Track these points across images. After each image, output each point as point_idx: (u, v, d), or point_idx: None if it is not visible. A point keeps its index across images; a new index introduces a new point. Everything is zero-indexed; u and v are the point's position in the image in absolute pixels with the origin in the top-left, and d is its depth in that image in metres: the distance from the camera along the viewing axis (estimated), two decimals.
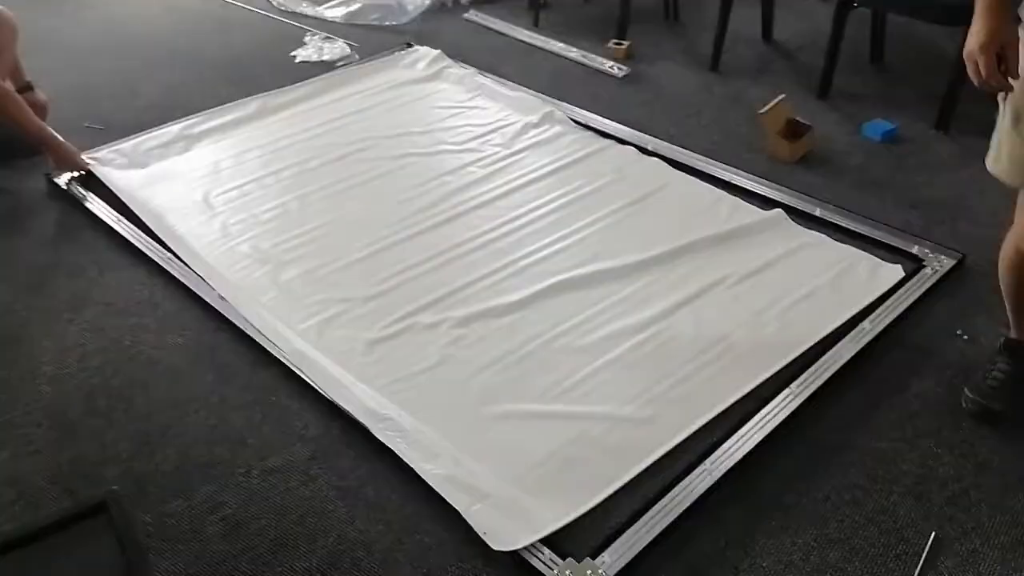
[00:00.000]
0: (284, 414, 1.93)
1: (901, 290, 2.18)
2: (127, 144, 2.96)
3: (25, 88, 2.87)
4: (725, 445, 1.77)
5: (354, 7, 4.03)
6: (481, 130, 3.03)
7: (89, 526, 1.33)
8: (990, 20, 1.47)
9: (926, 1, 2.80)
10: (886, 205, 2.54)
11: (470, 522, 1.62)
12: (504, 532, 1.60)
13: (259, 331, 2.13)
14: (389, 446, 1.79)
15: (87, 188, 2.74)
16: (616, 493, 1.69)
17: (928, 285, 2.19)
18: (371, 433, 1.84)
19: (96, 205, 2.65)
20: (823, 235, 2.40)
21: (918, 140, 2.87)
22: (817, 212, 2.47)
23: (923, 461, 1.76)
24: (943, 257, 2.28)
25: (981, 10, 1.49)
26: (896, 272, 2.25)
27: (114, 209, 2.63)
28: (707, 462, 1.73)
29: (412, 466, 1.75)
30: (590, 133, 3.00)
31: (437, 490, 1.69)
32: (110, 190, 2.73)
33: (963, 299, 2.18)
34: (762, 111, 2.79)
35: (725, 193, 2.61)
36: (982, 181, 2.62)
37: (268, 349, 2.08)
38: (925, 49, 3.45)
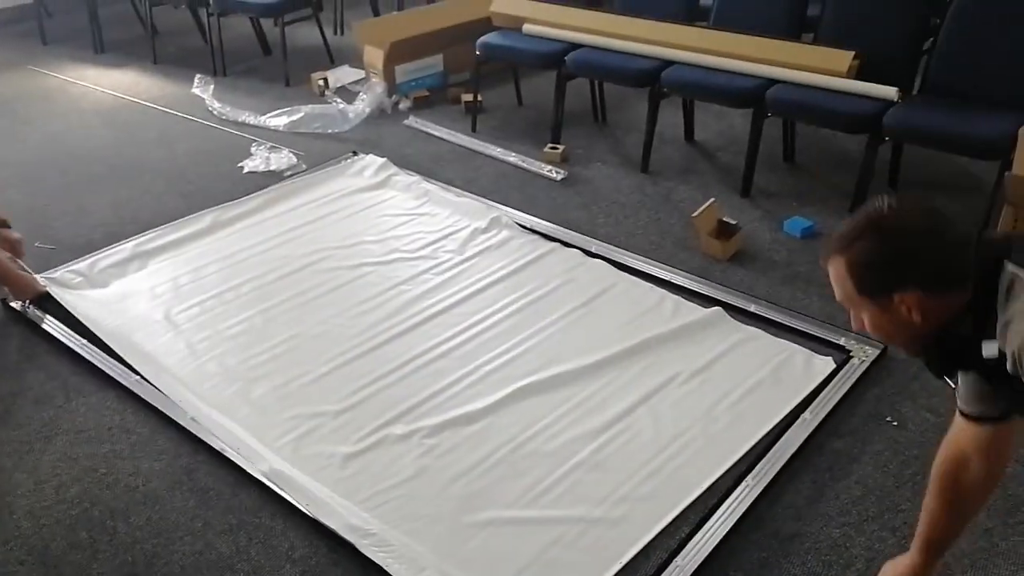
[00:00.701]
0: (269, 535, 1.98)
1: (834, 380, 2.39)
2: (82, 264, 3.01)
3: (0, 225, 2.91)
4: (693, 541, 1.90)
5: (296, 116, 4.18)
6: (433, 236, 3.18)
7: None
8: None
9: (832, 114, 3.11)
10: (811, 298, 2.77)
11: None
12: None
13: (236, 452, 2.19)
14: (377, 563, 1.87)
15: (44, 310, 2.77)
16: None
17: (857, 375, 2.40)
18: (358, 550, 1.91)
19: (56, 329, 2.68)
20: (759, 330, 2.61)
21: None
22: (752, 308, 2.69)
23: (870, 544, 1.93)
24: (867, 347, 2.50)
25: (920, 545, 1.58)
26: (828, 364, 2.46)
27: (73, 330, 2.66)
28: (678, 559, 1.86)
29: None
30: (536, 236, 3.18)
31: None
32: (67, 309, 2.76)
33: (889, 386, 2.39)
34: (695, 214, 3.02)
35: (667, 292, 2.80)
36: None
37: (247, 469, 2.14)
38: (831, 149, 3.79)
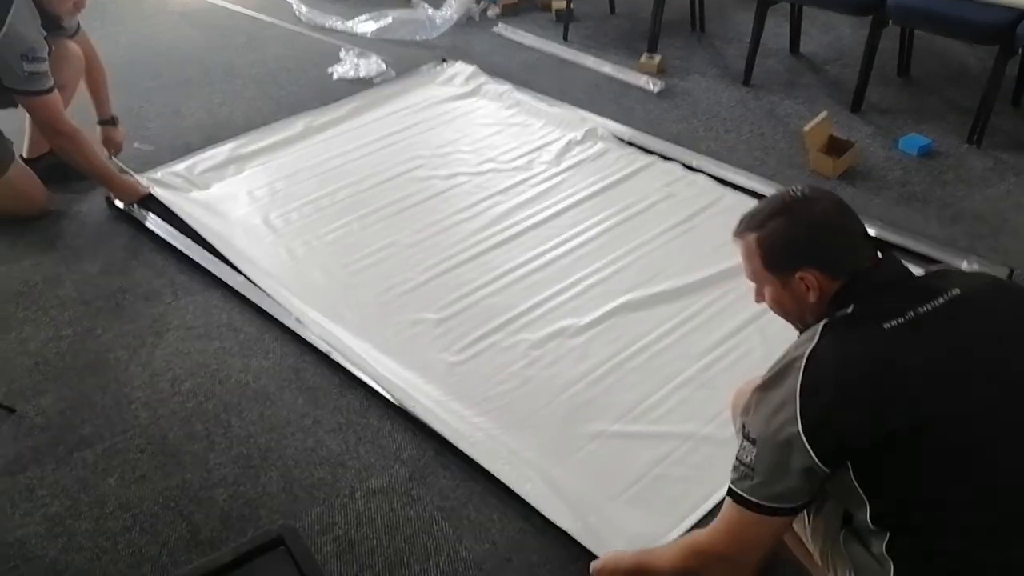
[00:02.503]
0: (377, 435, 2.01)
1: None
2: (182, 166, 3.03)
3: (109, 122, 2.94)
4: None
5: (384, 22, 4.09)
6: (527, 147, 3.11)
7: (269, 559, 1.40)
8: None
9: (961, 22, 2.90)
10: (929, 220, 2.64)
11: (577, 538, 1.71)
12: (610, 548, 1.69)
13: (342, 355, 2.20)
14: (486, 467, 1.88)
15: (147, 209, 2.80)
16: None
17: None
18: (464, 453, 1.92)
19: (161, 228, 2.71)
20: None
21: (953, 154, 2.98)
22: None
23: None
24: (988, 268, 2.38)
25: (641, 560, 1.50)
26: None
27: (177, 230, 2.70)
28: None
29: (511, 486, 1.84)
30: (633, 149, 3.08)
31: (539, 509, 1.78)
32: (169, 210, 2.79)
33: None
34: (807, 128, 2.89)
35: None
36: (1019, 195, 2.75)
37: (353, 372, 2.16)
38: (949, 63, 3.56)
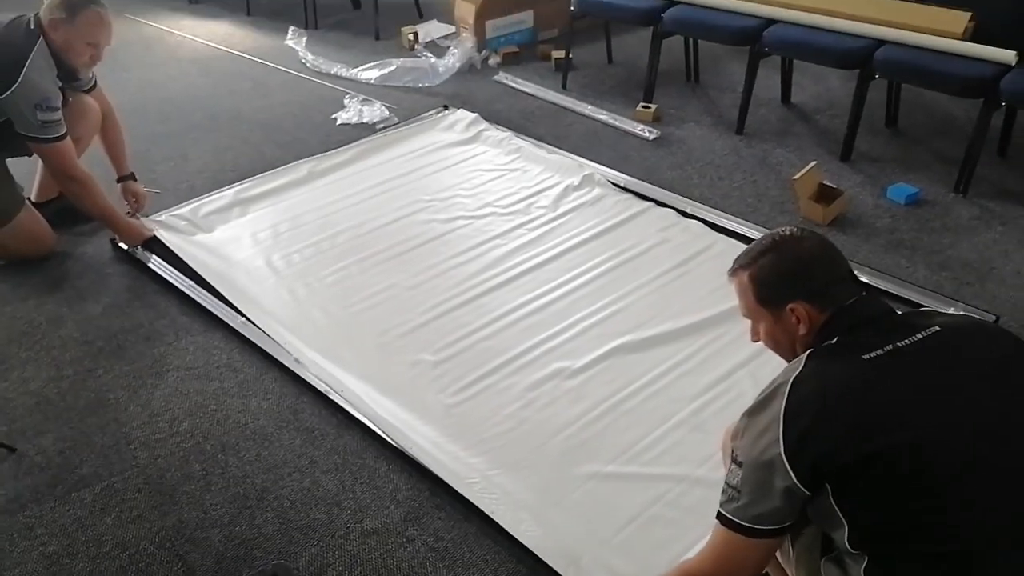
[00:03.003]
0: (374, 476, 2.03)
1: None
2: (186, 209, 3.09)
3: (129, 178, 3.02)
4: None
5: (387, 70, 4.19)
6: (525, 192, 3.18)
7: None
8: None
9: (945, 76, 2.98)
10: (917, 267, 2.69)
11: None
12: None
13: (340, 395, 2.24)
14: (481, 508, 1.90)
15: (150, 251, 2.85)
16: None
17: None
18: (459, 494, 1.95)
19: (164, 269, 2.76)
20: None
21: (939, 203, 3.04)
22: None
23: None
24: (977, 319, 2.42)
25: None
26: None
27: (180, 271, 2.74)
28: None
29: (506, 527, 1.85)
30: (629, 195, 3.15)
31: (534, 551, 1.80)
32: (172, 252, 2.84)
33: None
34: (796, 176, 2.95)
35: None
36: (1005, 243, 2.80)
37: (351, 412, 2.19)
38: (936, 115, 3.65)
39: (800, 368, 1.28)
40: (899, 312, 1.39)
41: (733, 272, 1.49)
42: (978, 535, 1.15)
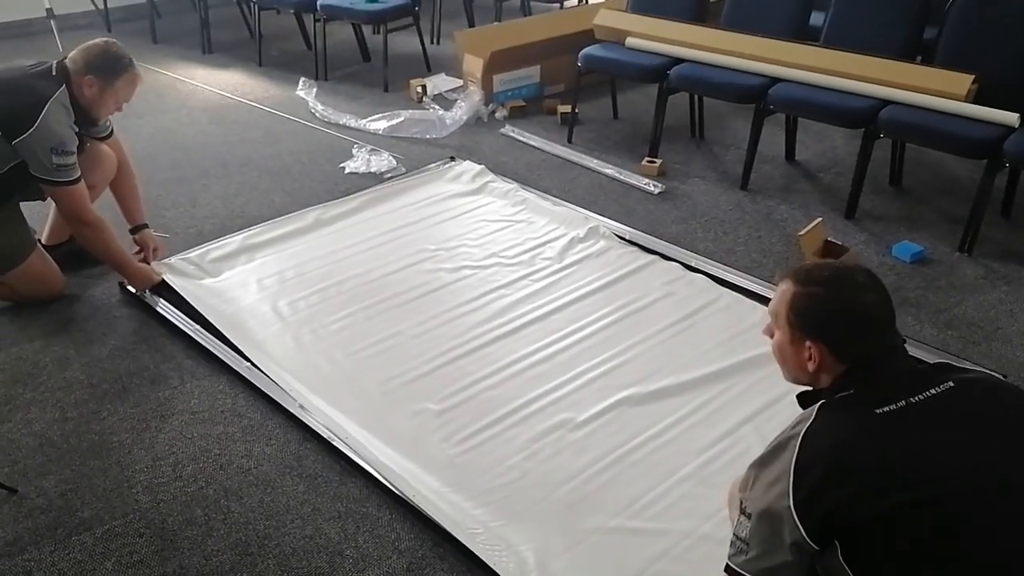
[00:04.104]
0: (376, 525, 2.01)
1: None
2: (194, 254, 3.11)
3: (140, 228, 3.05)
4: None
5: (395, 121, 4.26)
6: (531, 243, 3.20)
7: None
8: None
9: (949, 137, 3.03)
10: (923, 325, 2.70)
11: None
12: None
13: (344, 442, 2.23)
14: (485, 560, 1.88)
15: (158, 295, 2.87)
16: None
17: None
18: (463, 545, 1.92)
19: (171, 313, 2.77)
20: None
21: (944, 262, 3.06)
22: None
23: None
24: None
25: None
26: None
27: (187, 315, 2.75)
28: None
29: None
30: (634, 248, 3.17)
31: None
32: (179, 296, 2.86)
33: None
34: (801, 232, 2.98)
35: None
36: (1011, 303, 2.81)
37: (355, 459, 2.17)
38: (940, 174, 3.70)
39: (811, 420, 1.28)
40: (917, 368, 1.38)
41: (787, 276, 1.47)
42: None
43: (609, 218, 3.37)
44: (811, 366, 1.38)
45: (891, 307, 1.40)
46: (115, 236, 2.84)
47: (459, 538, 1.93)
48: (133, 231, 3.05)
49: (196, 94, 4.83)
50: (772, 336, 1.49)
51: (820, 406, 1.30)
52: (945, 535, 1.16)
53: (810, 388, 1.45)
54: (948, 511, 1.18)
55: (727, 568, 1.30)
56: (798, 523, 1.20)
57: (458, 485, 2.10)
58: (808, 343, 1.38)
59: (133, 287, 2.89)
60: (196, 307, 2.79)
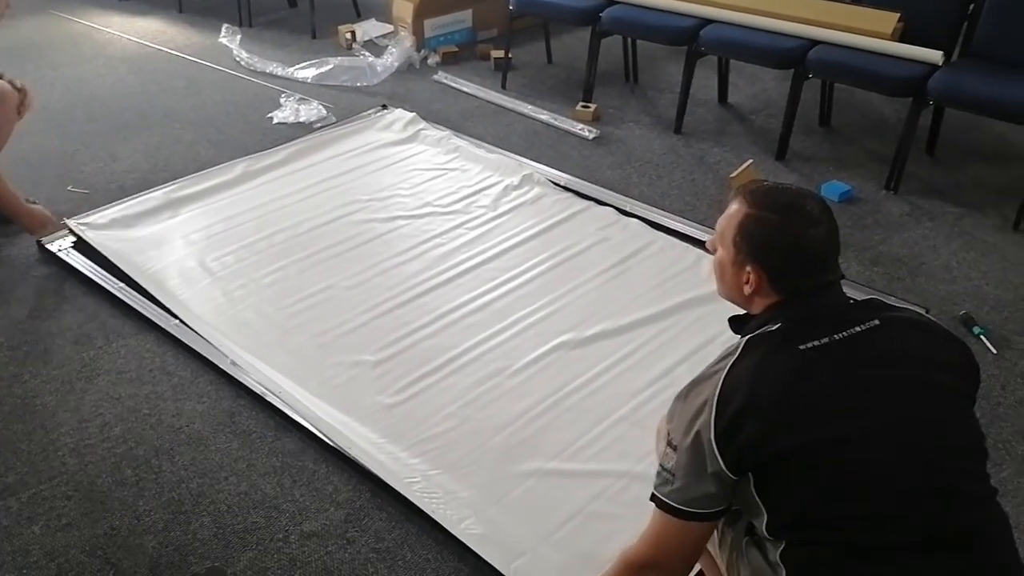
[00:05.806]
0: (313, 478, 2.00)
1: None
2: (115, 209, 3.00)
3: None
4: None
5: (324, 69, 4.14)
6: (465, 192, 3.16)
7: None
8: None
9: (876, 76, 3.07)
10: (850, 263, 2.76)
11: None
12: None
13: (277, 397, 2.20)
14: (422, 508, 1.88)
15: (80, 252, 2.76)
16: None
17: None
18: (400, 494, 1.92)
19: (93, 271, 2.68)
20: None
21: (871, 200, 3.12)
22: None
23: None
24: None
25: None
26: None
27: (109, 273, 2.66)
28: None
29: (447, 527, 1.84)
30: (569, 194, 3.16)
31: (475, 549, 1.79)
32: (101, 254, 2.76)
33: None
34: (733, 175, 3.00)
35: (704, 252, 2.79)
36: (934, 238, 2.89)
37: (289, 414, 2.15)
38: (868, 114, 3.75)
39: (736, 354, 1.29)
40: (852, 302, 1.36)
41: (741, 195, 1.39)
42: (889, 526, 1.18)
43: (544, 164, 3.35)
44: (747, 289, 1.36)
45: (837, 241, 1.35)
46: (3, 181, 2.70)
47: (396, 487, 1.93)
48: None
49: (113, 43, 4.61)
50: (714, 252, 1.44)
51: (746, 341, 1.31)
52: (849, 472, 1.19)
53: (742, 312, 1.45)
54: (853, 449, 1.21)
55: (653, 497, 1.32)
56: (717, 454, 1.22)
57: (395, 435, 2.09)
58: (748, 267, 1.35)
59: (30, 231, 2.78)
60: (119, 265, 2.69)
